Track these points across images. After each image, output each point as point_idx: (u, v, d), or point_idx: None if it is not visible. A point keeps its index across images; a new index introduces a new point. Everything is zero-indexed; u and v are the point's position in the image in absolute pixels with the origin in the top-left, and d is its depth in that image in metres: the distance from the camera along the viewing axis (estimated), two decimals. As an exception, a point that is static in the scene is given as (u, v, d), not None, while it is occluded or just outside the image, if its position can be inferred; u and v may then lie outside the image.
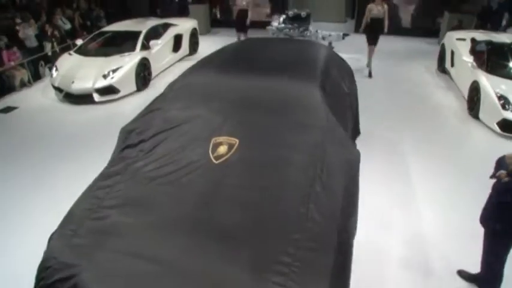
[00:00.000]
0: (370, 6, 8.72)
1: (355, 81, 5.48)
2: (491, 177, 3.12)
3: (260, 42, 5.74)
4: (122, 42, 8.71)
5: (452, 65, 8.73)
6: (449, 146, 6.16)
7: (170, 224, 2.69)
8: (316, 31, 10.24)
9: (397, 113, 7.26)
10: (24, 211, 4.71)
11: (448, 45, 9.13)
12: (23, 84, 9.03)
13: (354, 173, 3.17)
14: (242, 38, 10.11)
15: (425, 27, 12.57)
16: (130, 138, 3.58)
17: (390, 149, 5.98)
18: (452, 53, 8.72)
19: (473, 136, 6.71)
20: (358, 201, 3.27)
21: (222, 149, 3.16)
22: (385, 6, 8.68)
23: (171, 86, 4.04)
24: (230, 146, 3.16)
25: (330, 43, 10.06)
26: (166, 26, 9.72)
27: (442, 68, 9.41)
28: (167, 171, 3.11)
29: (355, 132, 5.85)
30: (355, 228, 3.13)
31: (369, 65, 9.19)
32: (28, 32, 9.77)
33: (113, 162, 3.42)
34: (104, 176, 3.26)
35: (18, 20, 9.77)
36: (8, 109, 7.94)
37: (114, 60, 8.04)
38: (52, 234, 2.81)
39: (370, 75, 9.07)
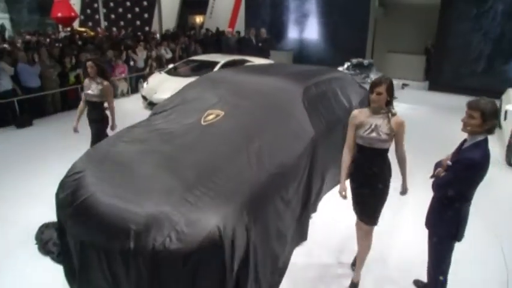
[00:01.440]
0: (355, 113, 3.59)
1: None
2: (431, 177, 3.37)
3: (290, 65, 6.83)
4: (202, 69, 10.43)
5: (505, 118, 8.81)
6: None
7: (152, 152, 3.87)
8: (377, 79, 11.01)
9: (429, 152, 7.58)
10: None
11: (505, 100, 9.23)
12: (123, 94, 11.32)
13: (304, 146, 4.01)
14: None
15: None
16: (158, 109, 4.92)
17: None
18: (507, 106, 8.83)
19: (500, 180, 6.56)
20: (311, 170, 4.11)
21: (211, 117, 4.31)
22: (397, 120, 3.37)
23: (198, 79, 5.38)
24: (217, 115, 4.30)
25: (390, 91, 10.73)
26: (243, 61, 11.29)
27: (498, 123, 9.45)
28: (170, 126, 4.34)
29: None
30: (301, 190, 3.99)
31: (355, 277, 3.88)
32: (138, 56, 12.20)
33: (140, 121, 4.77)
34: (129, 126, 4.59)
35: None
36: (105, 108, 9.99)
37: (190, 80, 9.71)
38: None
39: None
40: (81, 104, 5.84)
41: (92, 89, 5.59)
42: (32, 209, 5.15)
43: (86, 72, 5.71)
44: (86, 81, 5.71)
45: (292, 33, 15.97)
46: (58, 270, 3.94)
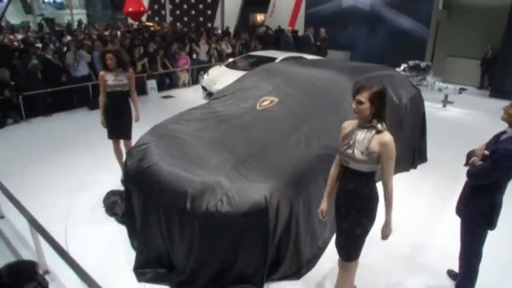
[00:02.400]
0: (345, 124, 3.03)
1: (420, 105, 6.27)
2: (465, 165, 3.46)
3: (344, 60, 7.04)
4: (260, 64, 10.75)
5: None
6: None
7: (210, 129, 4.33)
8: (434, 82, 10.88)
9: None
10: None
11: None
12: (184, 85, 12.07)
13: None
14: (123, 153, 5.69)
15: None
16: (218, 94, 5.38)
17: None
18: None
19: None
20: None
21: (265, 103, 4.68)
22: (381, 140, 2.75)
23: (255, 69, 5.79)
24: (271, 101, 4.67)
25: (446, 96, 10.58)
26: (300, 58, 11.60)
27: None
28: (228, 109, 4.77)
29: (420, 155, 6.55)
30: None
31: None
32: (201, 49, 12.90)
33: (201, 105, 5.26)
34: (191, 108, 5.08)
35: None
36: (167, 97, 11.06)
37: (248, 74, 10.21)
38: None
39: None
40: (102, 98, 5.41)
41: (118, 78, 5.28)
42: (101, 178, 5.80)
43: (105, 64, 5.28)
44: (104, 74, 5.29)
45: (350, 33, 15.99)
46: (121, 229, 4.51)
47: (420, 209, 5.20)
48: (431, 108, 9.39)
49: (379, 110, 2.78)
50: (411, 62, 11.39)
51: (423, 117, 6.42)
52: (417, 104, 6.22)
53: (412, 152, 6.34)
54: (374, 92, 2.76)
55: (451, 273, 3.98)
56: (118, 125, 5.46)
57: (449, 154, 6.96)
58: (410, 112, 5.94)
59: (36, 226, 3.56)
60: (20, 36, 14.37)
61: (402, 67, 11.37)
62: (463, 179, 3.51)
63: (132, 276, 3.81)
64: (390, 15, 14.91)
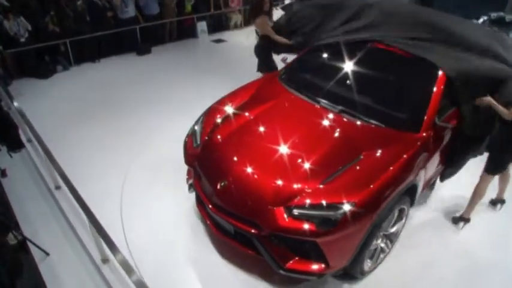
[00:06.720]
0: None
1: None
2: None
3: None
4: (318, 8, 9.97)
5: None
6: None
7: None
8: (519, 41, 9.57)
9: None
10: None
11: None
12: (235, 26, 11.39)
13: None
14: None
15: None
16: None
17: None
18: None
19: None
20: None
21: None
22: None
23: None
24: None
25: (530, 56, 9.34)
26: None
27: None
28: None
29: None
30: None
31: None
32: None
33: None
34: None
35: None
36: (219, 41, 10.44)
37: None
38: None
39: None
40: (282, 39, 5.66)
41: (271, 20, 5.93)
42: (154, 136, 5.76)
43: (259, 8, 5.75)
44: (265, 18, 5.77)
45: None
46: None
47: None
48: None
49: None
50: (493, 15, 9.90)
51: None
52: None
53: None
54: None
55: None
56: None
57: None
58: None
59: (93, 222, 3.38)
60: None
61: (481, 20, 9.97)
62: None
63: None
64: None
